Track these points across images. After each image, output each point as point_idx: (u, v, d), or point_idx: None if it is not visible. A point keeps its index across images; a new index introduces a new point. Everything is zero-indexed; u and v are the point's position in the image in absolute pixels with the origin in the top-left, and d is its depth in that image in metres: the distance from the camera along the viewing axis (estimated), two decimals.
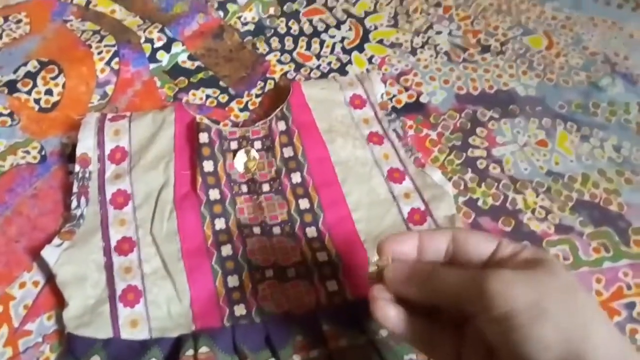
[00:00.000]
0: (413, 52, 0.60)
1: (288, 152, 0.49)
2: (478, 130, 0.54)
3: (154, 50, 0.58)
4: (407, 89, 0.57)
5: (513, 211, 0.49)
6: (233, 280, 0.43)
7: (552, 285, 0.27)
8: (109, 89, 0.55)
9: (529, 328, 0.26)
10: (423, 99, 0.56)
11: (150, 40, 0.58)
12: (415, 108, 0.55)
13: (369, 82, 0.54)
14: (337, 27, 0.62)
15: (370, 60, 0.59)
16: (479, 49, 0.61)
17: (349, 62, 0.59)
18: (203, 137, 0.48)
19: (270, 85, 0.57)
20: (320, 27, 0.62)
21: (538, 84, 0.58)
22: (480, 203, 0.50)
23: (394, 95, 0.56)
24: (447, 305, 0.31)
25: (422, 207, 0.47)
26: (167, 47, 0.58)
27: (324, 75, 0.58)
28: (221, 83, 0.57)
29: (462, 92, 0.57)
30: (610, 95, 0.58)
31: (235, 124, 0.53)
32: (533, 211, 0.49)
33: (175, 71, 0.57)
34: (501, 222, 0.49)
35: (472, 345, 0.30)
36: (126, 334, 0.40)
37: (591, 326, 0.26)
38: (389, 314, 0.32)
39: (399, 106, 0.56)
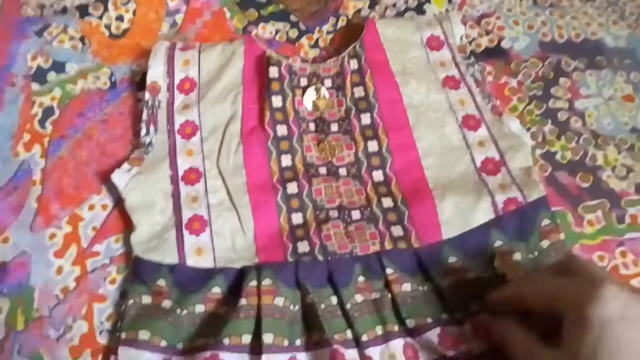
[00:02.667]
0: None
1: (359, 91, 0.47)
2: (561, 80, 0.51)
3: None
4: (488, 33, 0.53)
5: (592, 167, 0.47)
6: (297, 218, 0.43)
7: None
8: (179, 18, 0.55)
9: None
10: (504, 44, 0.53)
11: None
12: (496, 53, 0.52)
13: (447, 23, 0.51)
14: None
15: (450, 0, 0.56)
16: None
17: (428, 1, 0.55)
18: (273, 72, 0.47)
19: (342, 21, 0.55)
20: None
21: (629, 35, 0.54)
22: (558, 157, 0.47)
23: (474, 39, 0.53)
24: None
25: (497, 157, 0.45)
26: None
27: (400, 14, 0.55)
28: (292, 17, 0.55)
29: (546, 39, 0.53)
30: None
31: (304, 61, 0.52)
32: (613, 169, 0.46)
33: (245, 2, 0.56)
34: (579, 177, 0.46)
35: None
36: (191, 261, 0.41)
37: None
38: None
39: (478, 50, 0.52)
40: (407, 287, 0.40)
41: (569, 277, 0.33)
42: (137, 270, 0.41)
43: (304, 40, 0.53)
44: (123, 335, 0.38)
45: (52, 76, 0.51)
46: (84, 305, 0.41)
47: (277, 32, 0.54)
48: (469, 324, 0.38)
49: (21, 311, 0.41)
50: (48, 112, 0.49)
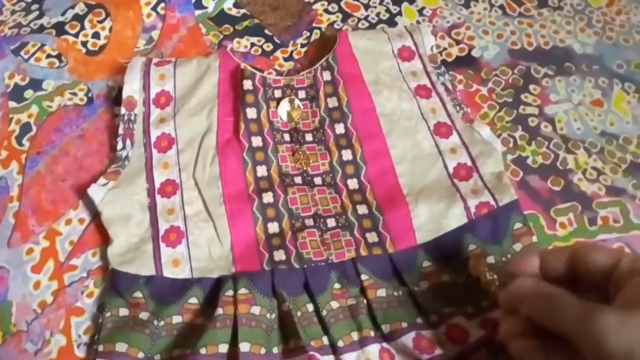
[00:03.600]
0: (466, 4, 0.57)
1: (332, 102, 0.48)
2: (531, 87, 0.52)
3: None
4: (458, 43, 0.55)
5: (563, 171, 0.47)
6: (273, 227, 0.43)
7: None
8: (155, 34, 0.55)
9: None
10: (475, 53, 0.54)
11: None
12: (466, 62, 0.53)
13: (418, 34, 0.52)
14: None
15: (421, 12, 0.57)
16: (535, 4, 0.58)
17: (399, 13, 0.57)
18: (247, 84, 0.48)
19: (316, 34, 0.56)
20: None
21: (596, 42, 0.55)
22: (529, 161, 0.48)
23: (445, 49, 0.54)
24: (557, 331, 0.30)
25: (469, 163, 0.45)
26: None
27: (372, 27, 0.56)
28: (266, 31, 0.56)
29: (516, 48, 0.54)
30: None
31: (279, 73, 0.53)
32: (584, 172, 0.47)
33: (220, 18, 0.57)
34: (550, 181, 0.47)
35: None
36: (168, 272, 0.41)
37: None
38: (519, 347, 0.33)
39: (449, 60, 0.54)
40: (382, 292, 0.40)
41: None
42: (114, 283, 0.41)
43: (278, 54, 0.54)
44: (100, 348, 0.38)
45: (29, 93, 0.52)
46: (61, 319, 0.41)
47: (252, 45, 0.55)
48: (444, 328, 0.38)
49: None
50: (25, 128, 0.50)
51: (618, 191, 0.46)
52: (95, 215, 0.45)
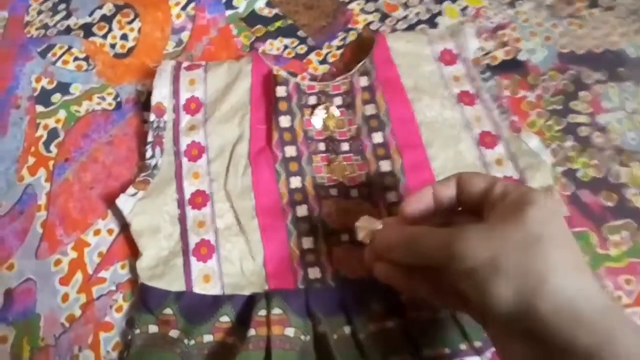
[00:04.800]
0: (512, 3, 0.54)
1: (370, 110, 0.46)
2: (581, 93, 0.49)
3: None
4: (503, 45, 0.52)
5: (616, 185, 0.44)
6: (308, 242, 0.41)
7: (511, 239, 0.28)
8: (184, 35, 0.53)
9: (485, 284, 0.28)
10: (521, 57, 0.51)
11: None
12: (513, 66, 0.50)
13: (461, 36, 0.49)
14: None
15: (463, 11, 0.54)
16: (586, 3, 0.54)
17: (440, 13, 0.54)
18: (280, 91, 0.46)
19: (352, 36, 0.53)
20: None
21: None
22: (580, 174, 0.45)
23: (489, 52, 0.51)
24: (426, 265, 0.32)
25: (516, 176, 0.43)
26: None
27: (411, 27, 0.53)
28: (300, 33, 0.53)
29: (565, 51, 0.51)
30: None
31: (313, 77, 0.50)
32: None
33: (252, 19, 0.54)
34: (602, 196, 0.44)
35: (450, 292, 0.32)
36: (199, 288, 0.40)
37: (547, 279, 0.27)
38: (381, 270, 0.35)
39: (494, 64, 0.51)
40: (423, 314, 0.38)
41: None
42: (144, 298, 0.40)
43: (312, 56, 0.52)
44: None
45: (56, 97, 0.50)
46: (90, 334, 0.41)
47: (285, 48, 0.53)
48: (489, 354, 0.36)
49: (27, 340, 0.40)
50: (53, 134, 0.48)
51: None
52: (124, 226, 0.44)
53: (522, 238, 0.28)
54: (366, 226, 0.36)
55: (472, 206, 0.33)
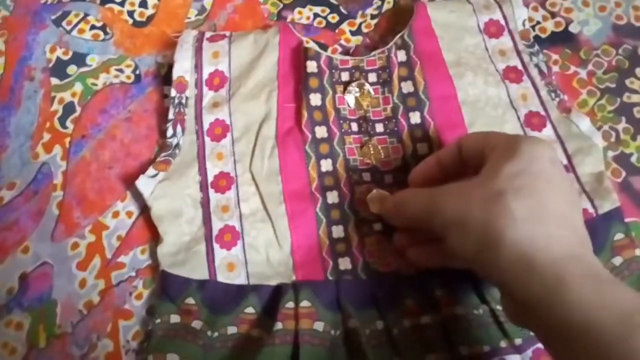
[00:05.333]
0: None
1: (407, 87, 0.43)
2: (638, 70, 0.46)
3: None
4: (553, 16, 0.48)
5: None
6: (338, 231, 0.39)
7: (477, 195, 0.30)
8: (207, 3, 0.50)
9: (455, 238, 0.31)
10: (572, 29, 0.48)
11: None
12: (563, 39, 0.47)
13: (508, 5, 0.46)
14: None
15: None
16: None
17: None
18: (311, 66, 0.43)
19: (388, 4, 0.50)
20: None
21: None
22: (633, 159, 0.43)
23: (538, 22, 0.48)
24: (416, 226, 0.35)
25: (564, 161, 0.40)
26: None
27: None
28: (332, 0, 0.50)
29: (621, 23, 0.48)
30: None
31: (346, 50, 0.47)
32: None
33: None
34: None
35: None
36: (222, 277, 0.38)
37: (503, 233, 0.28)
38: (412, 254, 0.37)
39: (543, 36, 0.47)
40: (460, 309, 0.36)
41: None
42: (165, 286, 0.38)
43: (344, 26, 0.49)
44: (150, 358, 0.36)
45: (72, 69, 0.48)
46: (108, 322, 0.39)
47: (315, 17, 0.49)
48: (530, 353, 0.35)
49: (43, 327, 0.39)
50: (69, 109, 0.46)
51: None
52: (144, 208, 0.42)
53: (486, 194, 0.30)
54: (377, 198, 0.39)
55: (476, 167, 0.33)
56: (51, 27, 0.50)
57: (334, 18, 0.49)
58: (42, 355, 0.38)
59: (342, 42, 0.48)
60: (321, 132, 0.41)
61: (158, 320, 0.37)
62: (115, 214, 0.42)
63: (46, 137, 0.45)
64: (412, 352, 0.35)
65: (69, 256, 0.41)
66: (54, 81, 0.47)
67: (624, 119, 0.44)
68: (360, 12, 0.49)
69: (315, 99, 0.42)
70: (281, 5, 0.50)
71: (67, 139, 0.45)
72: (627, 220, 0.39)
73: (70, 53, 0.48)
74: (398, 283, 0.37)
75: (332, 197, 0.40)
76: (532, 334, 0.34)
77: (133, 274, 0.40)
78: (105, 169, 0.44)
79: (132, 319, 0.39)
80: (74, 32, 0.49)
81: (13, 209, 0.43)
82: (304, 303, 0.36)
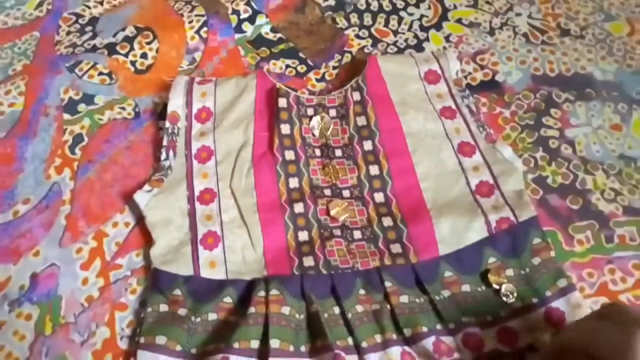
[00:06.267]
0: (491, 32, 0.60)
1: (361, 120, 0.51)
2: (552, 111, 0.54)
3: (240, 22, 0.62)
4: (482, 68, 0.57)
5: (582, 191, 0.49)
6: (303, 235, 0.46)
7: None
8: (197, 55, 0.60)
9: None
10: (498, 78, 0.56)
11: (236, 12, 0.62)
12: (490, 86, 0.56)
13: (444, 58, 0.55)
14: (417, 5, 0.63)
15: (447, 38, 0.60)
16: (558, 33, 0.60)
17: (426, 39, 0.60)
18: (282, 102, 0.51)
19: (347, 58, 0.59)
20: (400, 4, 0.64)
21: (616, 70, 0.57)
22: (549, 181, 0.50)
23: (469, 73, 0.57)
24: None
25: (491, 181, 0.47)
26: (252, 19, 0.62)
27: (400, 52, 0.59)
28: (301, 54, 0.59)
29: (538, 73, 0.57)
30: None
31: (312, 93, 0.56)
32: (602, 192, 0.49)
33: (258, 41, 0.61)
34: (569, 200, 0.49)
35: None
36: (205, 273, 0.44)
37: None
38: None
39: (473, 84, 0.56)
40: (404, 299, 0.42)
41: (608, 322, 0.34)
42: (156, 281, 0.44)
43: (311, 75, 0.58)
44: (142, 340, 0.41)
45: (82, 107, 0.56)
46: (106, 313, 0.45)
47: (287, 67, 0.58)
48: (460, 335, 0.40)
49: (49, 318, 0.44)
50: (78, 139, 0.54)
51: (635, 211, 0.48)
52: (140, 220, 0.48)
53: None
54: None
55: None
56: (65, 73, 0.58)
57: (302, 68, 0.58)
58: (48, 341, 0.43)
59: (309, 87, 0.57)
60: (290, 155, 0.49)
61: (149, 309, 0.43)
62: (115, 224, 0.49)
63: (57, 161, 0.52)
64: (363, 332, 0.41)
65: (73, 259, 0.47)
66: (66, 117, 0.55)
67: (541, 149, 0.51)
68: (324, 64, 0.59)
69: (285, 129, 0.50)
70: (259, 58, 0.59)
71: (76, 163, 0.52)
72: (544, 228, 0.45)
73: (81, 94, 0.57)
74: (353, 277, 0.43)
75: (299, 208, 0.47)
76: (463, 319, 0.41)
77: (129, 273, 0.46)
78: (107, 188, 0.51)
79: (127, 311, 0.45)
80: (85, 77, 0.58)
81: (27, 220, 0.49)
82: (274, 292, 0.42)
